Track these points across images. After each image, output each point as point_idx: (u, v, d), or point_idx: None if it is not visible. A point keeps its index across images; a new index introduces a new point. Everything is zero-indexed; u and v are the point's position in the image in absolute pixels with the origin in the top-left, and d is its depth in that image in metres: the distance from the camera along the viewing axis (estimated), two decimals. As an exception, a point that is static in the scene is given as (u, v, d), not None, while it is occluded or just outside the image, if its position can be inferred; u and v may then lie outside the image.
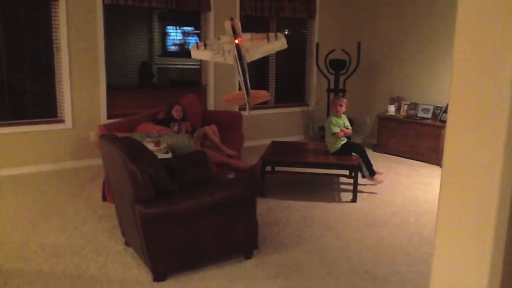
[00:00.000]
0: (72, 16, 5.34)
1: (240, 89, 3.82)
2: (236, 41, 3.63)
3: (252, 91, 3.78)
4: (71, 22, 5.34)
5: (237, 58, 3.66)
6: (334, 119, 4.96)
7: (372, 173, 4.83)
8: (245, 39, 3.64)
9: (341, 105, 4.97)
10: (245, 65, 3.68)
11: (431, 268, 1.27)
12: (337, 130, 4.88)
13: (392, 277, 3.10)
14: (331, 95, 7.05)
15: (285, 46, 3.81)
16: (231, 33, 3.62)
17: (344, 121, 5.05)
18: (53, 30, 5.33)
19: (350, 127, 5.07)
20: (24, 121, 5.34)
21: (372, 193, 4.81)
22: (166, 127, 4.69)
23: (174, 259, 2.99)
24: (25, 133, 5.29)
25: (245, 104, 3.89)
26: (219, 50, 3.72)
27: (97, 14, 5.47)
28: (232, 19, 3.66)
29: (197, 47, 3.78)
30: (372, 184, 4.93)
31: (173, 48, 6.94)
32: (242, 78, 3.68)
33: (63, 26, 5.29)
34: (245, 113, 4.00)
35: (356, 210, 4.32)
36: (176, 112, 4.92)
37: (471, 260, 1.14)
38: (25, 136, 5.30)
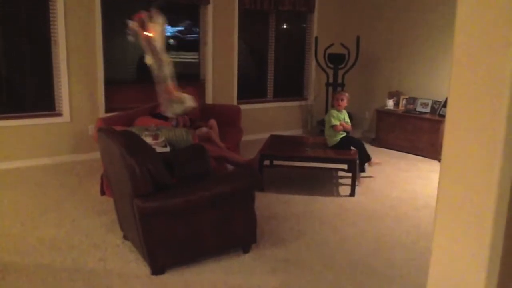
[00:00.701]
0: (70, 9, 5.30)
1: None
2: (145, 33, 3.44)
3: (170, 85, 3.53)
4: (69, 15, 5.31)
5: (151, 51, 3.45)
6: (334, 112, 4.97)
7: (362, 167, 4.97)
8: (152, 28, 3.42)
9: (342, 99, 4.99)
10: (162, 56, 3.46)
11: (429, 261, 1.27)
12: (336, 123, 4.90)
13: (390, 271, 3.10)
14: (330, 89, 7.04)
15: (163, 20, 3.58)
16: (140, 27, 3.40)
17: (345, 116, 5.06)
18: (51, 23, 5.30)
19: (350, 123, 5.08)
20: (22, 114, 5.32)
21: (370, 187, 4.81)
22: (164, 121, 4.68)
23: (173, 253, 2.99)
24: (23, 127, 5.27)
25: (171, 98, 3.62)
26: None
27: (95, 7, 5.44)
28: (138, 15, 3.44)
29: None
30: (368, 177, 5.00)
31: (171, 41, 6.91)
32: (158, 71, 3.45)
33: (60, 19, 5.26)
34: (167, 114, 3.63)
35: (354, 204, 4.32)
36: None
37: (469, 253, 1.14)
38: (23, 129, 5.28)
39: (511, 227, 1.12)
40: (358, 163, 4.86)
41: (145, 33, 3.37)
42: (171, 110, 3.53)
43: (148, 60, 3.53)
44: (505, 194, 1.09)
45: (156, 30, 3.38)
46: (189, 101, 3.55)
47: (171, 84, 3.44)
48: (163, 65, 3.38)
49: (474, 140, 1.12)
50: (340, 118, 4.95)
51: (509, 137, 1.06)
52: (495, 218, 1.09)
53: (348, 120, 5.08)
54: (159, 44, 3.40)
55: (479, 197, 1.12)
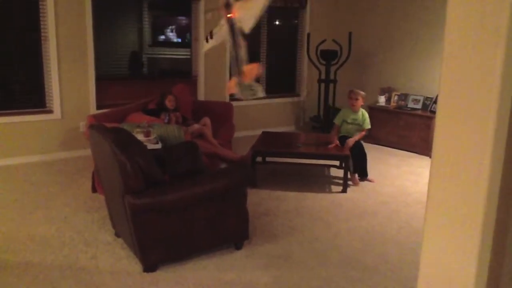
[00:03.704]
0: (60, 4, 5.26)
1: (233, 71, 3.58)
2: (229, 15, 3.38)
3: (244, 68, 3.45)
4: (59, 10, 5.26)
5: (231, 33, 3.37)
6: (344, 111, 4.87)
7: (363, 174, 4.80)
8: (237, 9, 3.36)
9: (356, 99, 4.76)
10: (240, 39, 3.37)
11: (420, 257, 1.28)
12: (337, 122, 4.85)
13: (382, 267, 3.12)
14: (322, 85, 7.05)
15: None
16: (224, 8, 3.36)
17: (358, 117, 4.79)
18: (41, 19, 5.25)
19: (366, 126, 4.84)
20: (12, 111, 5.28)
21: (362, 184, 4.83)
22: (156, 118, 4.66)
23: (164, 250, 2.98)
24: (13, 124, 5.23)
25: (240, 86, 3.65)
26: (220, 33, 3.51)
27: (85, 2, 5.40)
28: None
29: (207, 41, 3.59)
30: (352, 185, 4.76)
31: (163, 37, 6.88)
32: (235, 54, 3.38)
33: (51, 15, 5.21)
34: (239, 96, 3.69)
35: (346, 201, 4.34)
36: (170, 102, 4.90)
37: (460, 249, 1.15)
38: (14, 126, 5.23)
39: (501, 222, 1.13)
40: (353, 167, 4.73)
41: (228, 15, 3.33)
42: (242, 94, 3.66)
43: (205, 47, 3.60)
44: (495, 190, 1.10)
45: (245, 12, 3.33)
46: (260, 92, 3.64)
47: (245, 68, 3.44)
48: (240, 48, 3.38)
49: (465, 136, 1.12)
50: (350, 119, 4.80)
51: (499, 133, 1.07)
52: (486, 213, 1.10)
53: (364, 124, 4.81)
54: (244, 25, 3.33)
55: (469, 193, 1.12)
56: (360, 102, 4.80)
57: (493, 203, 1.10)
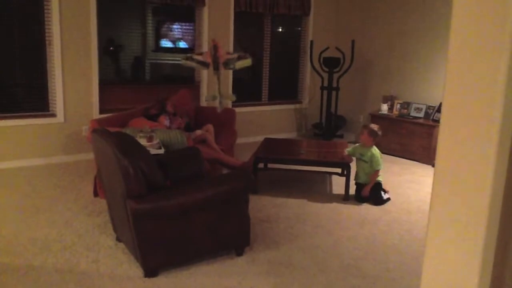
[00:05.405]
0: (65, 9, 5.29)
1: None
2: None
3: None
4: (64, 15, 5.29)
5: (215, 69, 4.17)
6: (357, 145, 4.69)
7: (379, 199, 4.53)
8: (222, 54, 4.16)
9: (362, 133, 4.55)
10: (220, 71, 4.18)
11: (422, 266, 1.28)
12: (349, 150, 4.70)
13: (383, 275, 3.11)
14: (325, 93, 7.07)
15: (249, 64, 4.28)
16: (212, 50, 4.12)
17: (366, 154, 4.49)
18: (46, 23, 5.28)
19: (374, 168, 4.46)
20: (15, 114, 5.29)
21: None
22: (155, 122, 4.67)
23: (166, 255, 2.98)
24: (16, 127, 5.25)
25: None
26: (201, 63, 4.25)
27: (90, 7, 5.43)
28: (213, 40, 4.23)
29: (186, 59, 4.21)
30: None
31: (166, 43, 6.91)
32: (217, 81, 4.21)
33: (55, 19, 5.24)
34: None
35: (347, 208, 4.33)
36: (170, 107, 4.93)
37: (462, 259, 1.15)
38: (16, 129, 5.25)
39: (504, 233, 1.13)
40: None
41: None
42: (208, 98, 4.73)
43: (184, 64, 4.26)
44: (498, 199, 1.10)
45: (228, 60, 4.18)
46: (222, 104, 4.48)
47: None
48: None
49: (468, 146, 1.13)
50: (357, 152, 4.60)
51: (503, 142, 1.07)
52: (488, 223, 1.10)
53: (371, 161, 4.46)
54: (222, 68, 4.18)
55: (472, 203, 1.12)
56: (366, 136, 4.50)
57: (496, 212, 1.10)
